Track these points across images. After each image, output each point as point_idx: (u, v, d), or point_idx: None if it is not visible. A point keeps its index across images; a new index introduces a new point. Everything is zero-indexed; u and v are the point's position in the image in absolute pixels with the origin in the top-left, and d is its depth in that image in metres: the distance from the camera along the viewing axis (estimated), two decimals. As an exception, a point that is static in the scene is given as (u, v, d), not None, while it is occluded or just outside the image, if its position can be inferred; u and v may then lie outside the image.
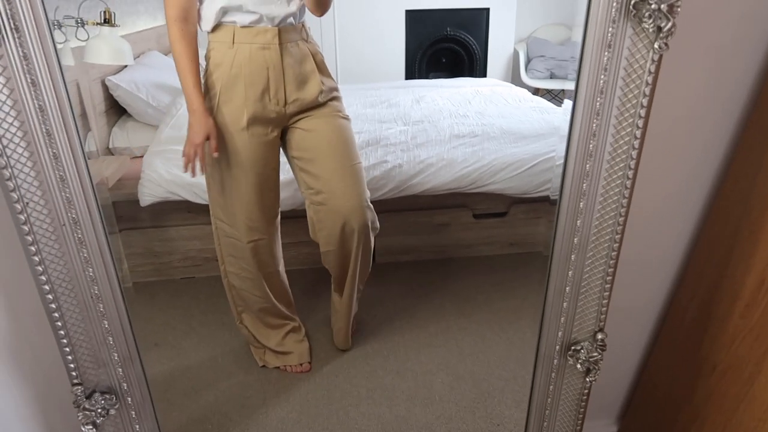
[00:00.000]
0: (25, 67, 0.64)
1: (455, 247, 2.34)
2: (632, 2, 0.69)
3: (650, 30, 0.70)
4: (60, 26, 1.56)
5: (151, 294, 2.07)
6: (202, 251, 2.11)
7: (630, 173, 0.79)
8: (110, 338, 0.82)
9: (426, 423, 1.58)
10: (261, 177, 1.46)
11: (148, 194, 1.86)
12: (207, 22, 1.32)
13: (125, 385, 0.86)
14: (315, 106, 1.45)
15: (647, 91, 0.73)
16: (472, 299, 2.09)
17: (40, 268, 0.73)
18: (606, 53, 0.72)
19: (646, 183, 1.03)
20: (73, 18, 1.65)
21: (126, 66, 1.99)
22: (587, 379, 0.97)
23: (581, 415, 1.03)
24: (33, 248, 0.71)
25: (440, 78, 2.92)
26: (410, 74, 2.88)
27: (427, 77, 2.90)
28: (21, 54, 0.63)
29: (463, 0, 2.84)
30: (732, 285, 1.01)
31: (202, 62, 1.40)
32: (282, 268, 1.71)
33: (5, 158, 0.66)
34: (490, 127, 2.34)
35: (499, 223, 2.33)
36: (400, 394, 1.66)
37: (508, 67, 2.97)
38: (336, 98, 1.51)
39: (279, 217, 1.63)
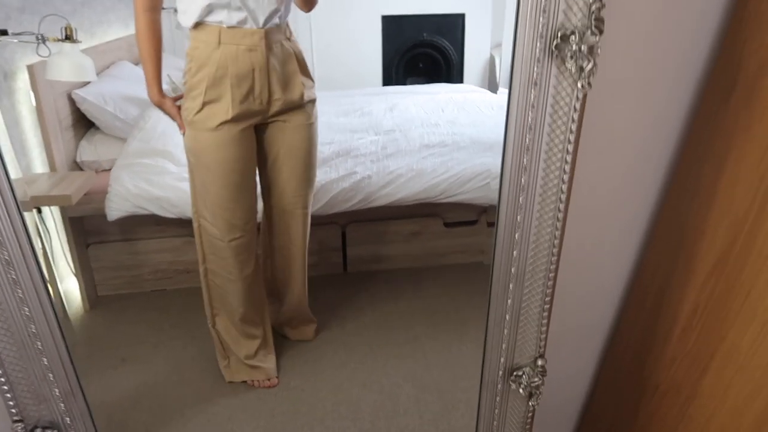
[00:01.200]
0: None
1: (427, 255, 2.35)
2: (554, 43, 0.70)
3: (573, 70, 0.71)
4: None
5: (122, 307, 2.07)
6: (173, 264, 2.11)
7: (561, 206, 0.80)
8: (50, 374, 0.82)
9: (391, 437, 1.59)
10: (240, 175, 1.49)
11: (116, 209, 1.86)
12: (189, 17, 1.31)
13: (68, 419, 0.87)
14: (294, 107, 1.49)
15: (573, 127, 0.75)
16: (441, 309, 2.11)
17: (-27, 309, 0.73)
18: (533, 91, 0.73)
19: (583, 213, 1.05)
20: (33, 34, 1.64)
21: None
22: (530, 404, 0.99)
23: (527, 437, 1.05)
24: (-36, 290, 0.72)
25: (418, 83, 2.92)
26: (387, 80, 2.88)
27: (404, 83, 2.91)
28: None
29: (439, 5, 2.85)
30: (671, 310, 1.03)
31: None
32: (260, 273, 1.72)
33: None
34: (460, 136, 2.35)
35: (469, 232, 2.34)
36: (366, 407, 1.67)
37: (484, 72, 2.99)
38: (312, 101, 1.55)
39: (257, 217, 1.64)
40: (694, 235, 0.95)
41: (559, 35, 0.70)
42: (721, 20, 0.89)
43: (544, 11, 0.68)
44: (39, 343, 0.79)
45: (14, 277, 0.74)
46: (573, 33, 0.69)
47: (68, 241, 1.93)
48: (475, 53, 2.85)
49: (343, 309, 2.08)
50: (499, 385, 0.98)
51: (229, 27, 1.30)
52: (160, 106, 1.44)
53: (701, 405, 0.96)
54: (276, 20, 1.34)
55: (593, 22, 0.68)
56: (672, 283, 1.02)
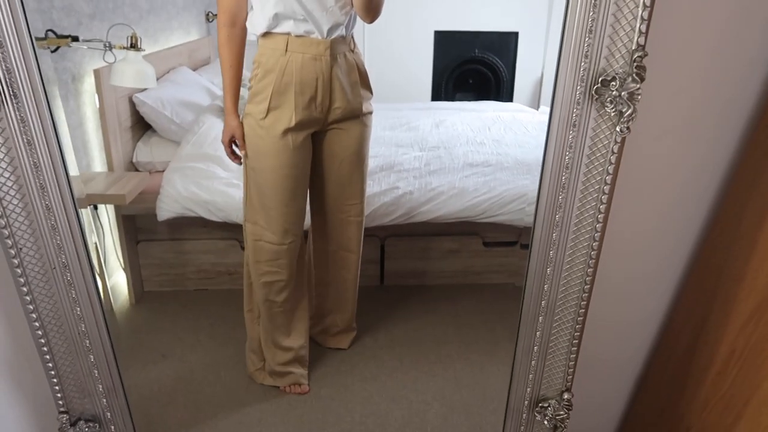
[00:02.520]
0: (21, 128, 0.70)
1: (464, 273, 2.34)
2: (594, 87, 0.71)
3: (612, 114, 0.72)
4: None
5: (164, 303, 2.15)
6: (216, 265, 2.18)
7: (595, 245, 0.81)
8: (95, 371, 0.87)
9: (415, 454, 1.60)
10: (296, 181, 1.54)
11: (166, 209, 1.94)
12: (258, 27, 1.38)
13: (109, 414, 0.92)
14: (352, 117, 1.53)
15: (611, 169, 0.75)
16: (475, 328, 2.10)
17: (31, 307, 0.79)
18: (571, 132, 0.74)
19: (618, 250, 1.04)
20: (101, 41, 1.73)
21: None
22: (554, 436, 1.00)
23: (550, 470, 1.05)
24: (25, 289, 0.77)
25: (467, 99, 2.93)
26: (436, 95, 2.89)
27: (453, 98, 2.91)
28: (18, 117, 0.69)
29: (492, 23, 2.85)
30: (706, 351, 1.01)
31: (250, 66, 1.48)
32: (306, 284, 1.75)
33: (1, 209, 0.72)
34: (504, 156, 2.35)
35: (508, 252, 2.33)
36: (393, 422, 1.68)
37: (535, 91, 2.97)
38: (370, 113, 1.61)
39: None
40: (733, 278, 0.94)
41: (599, 80, 0.71)
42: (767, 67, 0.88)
43: (587, 56, 0.69)
44: (87, 341, 0.85)
45: (69, 279, 0.79)
46: (614, 79, 0.70)
47: (120, 237, 2.02)
48: (526, 72, 2.84)
49: (377, 322, 2.10)
50: (524, 415, 0.99)
51: (296, 36, 1.36)
52: (229, 120, 1.49)
53: (732, 453, 0.95)
54: (341, 31, 1.40)
55: (635, 69, 0.68)
56: (708, 324, 1.00)
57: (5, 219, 0.72)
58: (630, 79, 0.68)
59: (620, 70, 0.70)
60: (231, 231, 2.10)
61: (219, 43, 1.41)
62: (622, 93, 0.69)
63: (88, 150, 1.86)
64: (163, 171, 2.02)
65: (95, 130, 1.87)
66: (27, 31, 0.66)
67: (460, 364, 1.92)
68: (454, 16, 2.78)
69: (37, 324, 0.80)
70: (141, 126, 2.11)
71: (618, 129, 0.72)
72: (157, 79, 2.06)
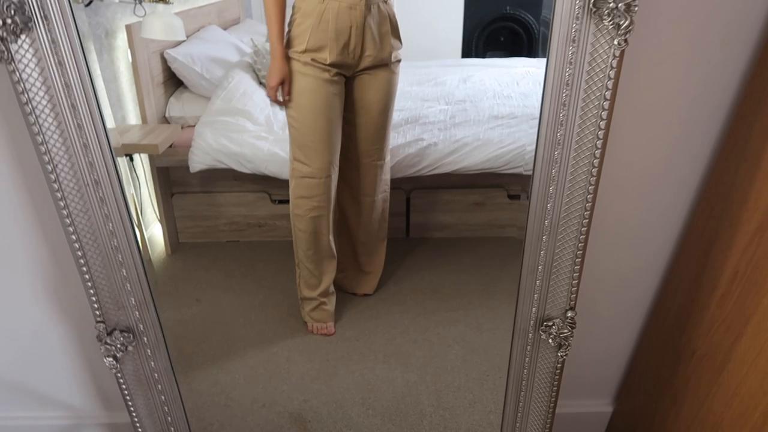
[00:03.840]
0: (53, 49, 0.76)
1: (489, 226, 2.36)
2: (592, 1, 0.73)
3: (610, 27, 0.74)
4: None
5: (198, 254, 2.24)
6: (246, 217, 2.26)
7: (596, 161, 0.83)
8: (128, 285, 0.95)
9: (435, 390, 1.66)
10: (333, 118, 1.63)
11: (198, 161, 2.01)
12: None
13: (141, 326, 1.00)
14: (382, 64, 1.61)
15: (610, 84, 0.77)
16: (498, 279, 2.12)
17: (68, 221, 0.86)
18: (571, 48, 0.76)
19: (623, 174, 1.06)
20: (131, -5, 1.79)
21: (184, 40, 2.12)
22: (558, 354, 1.03)
23: (555, 389, 1.09)
24: (62, 203, 0.84)
25: (498, 57, 2.90)
26: (467, 52, 2.87)
27: (484, 56, 2.89)
28: (49, 39, 0.75)
29: (525, -21, 2.80)
30: (712, 275, 1.03)
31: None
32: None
33: (38, 127, 0.78)
34: (531, 109, 2.33)
35: (534, 205, 2.32)
36: (415, 362, 1.74)
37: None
38: (398, 61, 1.68)
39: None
40: (739, 200, 0.95)
41: (597, -8, 0.72)
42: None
43: (584, -31, 0.71)
44: (120, 256, 0.92)
45: (101, 195, 0.86)
46: (611, -10, 0.71)
47: (155, 190, 2.11)
48: (558, 27, 2.78)
49: (401, 272, 2.14)
50: (530, 335, 1.03)
51: None
52: (280, 65, 1.56)
53: (734, 370, 0.97)
54: None
55: (631, -21, 0.70)
56: (715, 247, 1.02)
57: (41, 136, 0.79)
58: (626, -10, 0.70)
59: (617, -19, 0.72)
60: (260, 183, 2.17)
61: None
62: (619, 5, 0.71)
63: (122, 104, 1.93)
64: (194, 125, 2.08)
65: (129, 84, 1.94)
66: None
67: (481, 310, 1.96)
68: (485, -28, 2.73)
69: (74, 237, 0.87)
70: (173, 82, 2.17)
71: (616, 42, 0.74)
72: (187, 36, 2.11)
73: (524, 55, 2.89)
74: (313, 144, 1.63)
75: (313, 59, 1.52)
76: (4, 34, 0.71)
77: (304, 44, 1.50)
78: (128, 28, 1.83)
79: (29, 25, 0.73)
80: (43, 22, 0.74)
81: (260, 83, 2.32)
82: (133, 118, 2.00)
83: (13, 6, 0.71)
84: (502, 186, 2.28)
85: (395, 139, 2.02)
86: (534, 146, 2.10)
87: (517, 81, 2.66)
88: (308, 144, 1.64)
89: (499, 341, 1.83)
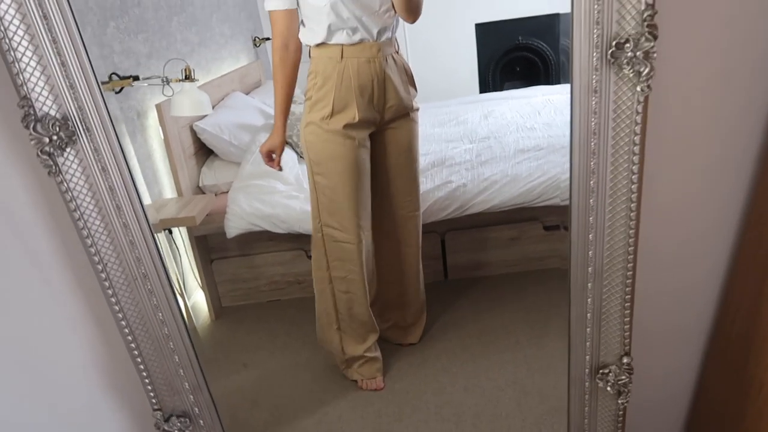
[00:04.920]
0: (96, 157, 0.80)
1: (526, 260, 2.34)
2: (610, 52, 0.74)
3: (631, 75, 0.74)
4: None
5: (241, 317, 2.27)
6: (285, 276, 2.29)
7: (633, 206, 0.82)
8: (181, 370, 0.97)
9: (492, 438, 1.62)
10: (362, 179, 1.63)
11: (233, 227, 2.06)
12: (314, 39, 1.48)
13: (197, 409, 1.01)
14: (403, 114, 1.63)
15: (638, 129, 0.77)
16: (542, 314, 2.09)
17: (120, 315, 0.89)
18: (594, 98, 0.77)
19: (662, 213, 1.04)
20: (158, 77, 1.87)
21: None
22: (619, 402, 1.00)
23: (619, 435, 1.06)
24: (113, 299, 0.88)
25: (516, 88, 2.92)
26: (484, 87, 2.90)
27: (502, 88, 2.91)
28: (92, 148, 0.79)
29: (532, 8, 2.83)
30: (769, 303, 1.00)
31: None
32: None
33: (87, 230, 0.82)
34: (556, 138, 2.33)
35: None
36: (467, 411, 1.71)
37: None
38: (417, 109, 1.70)
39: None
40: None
41: (614, 44, 0.73)
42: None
43: (598, 23, 0.72)
44: (171, 344, 0.94)
45: (150, 288, 0.89)
46: (627, 41, 0.72)
47: (195, 258, 2.16)
48: (573, 53, 2.79)
49: (444, 316, 2.13)
50: (587, 383, 1.01)
51: (349, 44, 1.46)
52: (274, 134, 1.62)
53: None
54: (388, 34, 1.50)
55: (646, 28, 0.70)
56: (768, 278, 0.99)
57: (90, 239, 0.82)
58: (643, 38, 0.70)
59: (632, 32, 0.72)
60: (296, 242, 2.20)
61: (273, 65, 1.52)
62: (638, 53, 0.71)
63: (158, 179, 2.00)
64: (227, 192, 2.14)
65: (163, 160, 2.01)
66: (91, 70, 0.76)
67: (530, 349, 1.93)
68: (493, 6, 2.78)
69: (126, 330, 0.90)
70: (204, 152, 2.24)
71: (639, 89, 0.74)
72: (213, 106, 2.19)
73: (542, 82, 2.90)
74: (344, 210, 1.63)
75: (344, 126, 1.52)
76: (52, 149, 0.75)
77: (329, 106, 1.51)
78: (158, 107, 1.91)
79: (73, 138, 0.78)
80: (85, 133, 0.78)
81: (287, 143, 2.38)
82: (168, 191, 2.06)
83: (57, 123, 0.75)
84: (537, 218, 2.27)
85: (424, 184, 2.04)
86: (565, 175, 2.09)
87: (538, 111, 2.67)
88: (339, 210, 1.63)
89: (552, 381, 1.79)
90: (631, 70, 0.73)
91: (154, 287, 0.89)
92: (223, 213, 2.08)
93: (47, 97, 0.75)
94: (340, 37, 1.45)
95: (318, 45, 1.48)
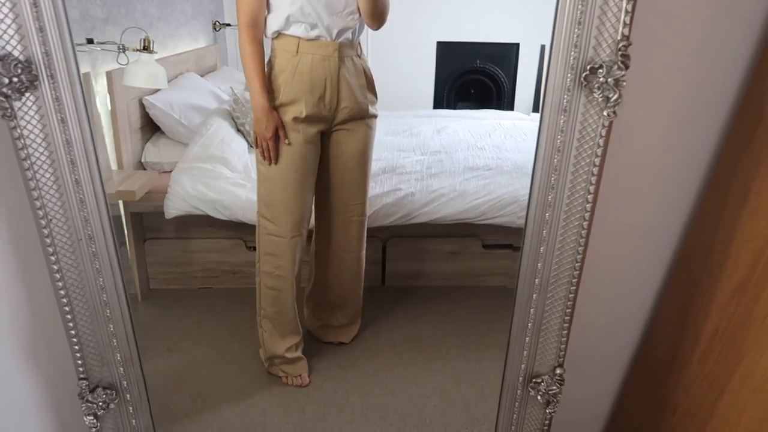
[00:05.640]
0: (56, 107, 0.76)
1: (464, 275, 2.39)
2: (583, 75, 0.78)
3: (600, 99, 0.78)
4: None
5: (170, 301, 2.20)
6: (221, 264, 2.23)
7: (585, 224, 0.87)
8: (114, 340, 0.93)
9: (415, 444, 1.64)
10: (305, 176, 1.60)
11: (174, 207, 1.99)
12: (271, 28, 1.46)
13: (125, 382, 0.97)
14: (358, 118, 1.61)
15: (599, 152, 0.82)
16: (474, 328, 2.14)
17: (58, 275, 0.85)
18: (562, 117, 0.81)
19: (608, 235, 1.10)
20: (115, 44, 1.80)
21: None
22: (547, 411, 1.04)
23: (543, 446, 1.10)
24: (53, 258, 0.83)
25: (468, 108, 2.99)
26: (438, 103, 2.96)
27: (455, 107, 2.98)
28: (54, 96, 0.75)
29: (493, 34, 2.91)
30: (693, 331, 1.07)
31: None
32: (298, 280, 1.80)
33: (35, 182, 0.78)
34: (504, 161, 2.40)
35: (507, 255, 2.37)
36: (393, 415, 1.72)
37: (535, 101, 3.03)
38: (375, 116, 1.68)
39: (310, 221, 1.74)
40: (717, 261, 0.99)
41: (588, 68, 0.77)
42: (749, 60, 0.95)
43: (576, 46, 0.76)
44: (108, 311, 0.90)
45: (94, 250, 0.85)
46: (601, 67, 0.76)
47: (128, 235, 2.07)
48: (526, 82, 2.90)
49: (378, 321, 2.14)
50: (519, 391, 1.04)
51: (306, 39, 1.45)
52: (268, 116, 1.51)
53: (717, 428, 0.99)
54: (348, 36, 1.48)
55: (620, 57, 0.75)
56: (695, 306, 1.06)
57: (38, 191, 0.78)
58: (616, 66, 0.75)
59: (607, 59, 0.76)
60: (236, 230, 2.16)
61: (241, 46, 1.46)
62: (609, 80, 0.76)
63: (100, 149, 1.90)
64: (171, 171, 2.08)
65: (107, 130, 1.93)
66: (65, 16, 0.72)
67: (459, 361, 1.96)
68: (457, 28, 2.85)
69: (62, 292, 0.85)
70: (150, 128, 2.17)
71: (605, 113, 0.78)
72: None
73: (493, 106, 2.99)
74: (281, 203, 1.60)
75: (293, 119, 1.50)
76: (9, 92, 0.71)
77: (279, 98, 1.49)
78: (109, 74, 1.84)
79: (35, 83, 0.74)
80: (48, 80, 0.74)
81: (238, 131, 2.34)
82: (110, 163, 1.98)
83: (20, 65, 0.71)
84: (478, 236, 2.33)
85: (372, 188, 2.05)
86: (508, 197, 2.15)
87: (489, 133, 2.74)
88: (275, 203, 1.61)
89: (477, 392, 1.83)
90: (601, 95, 0.77)
91: (98, 251, 0.85)
92: (163, 192, 2.01)
93: (12, 36, 0.71)
94: (298, 30, 1.44)
95: (277, 36, 1.47)
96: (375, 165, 2.19)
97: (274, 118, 1.50)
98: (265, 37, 1.50)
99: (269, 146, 1.52)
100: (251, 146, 2.24)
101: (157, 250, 2.19)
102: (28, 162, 0.77)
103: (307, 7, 1.40)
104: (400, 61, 2.78)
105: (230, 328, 2.05)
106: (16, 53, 0.72)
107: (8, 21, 0.71)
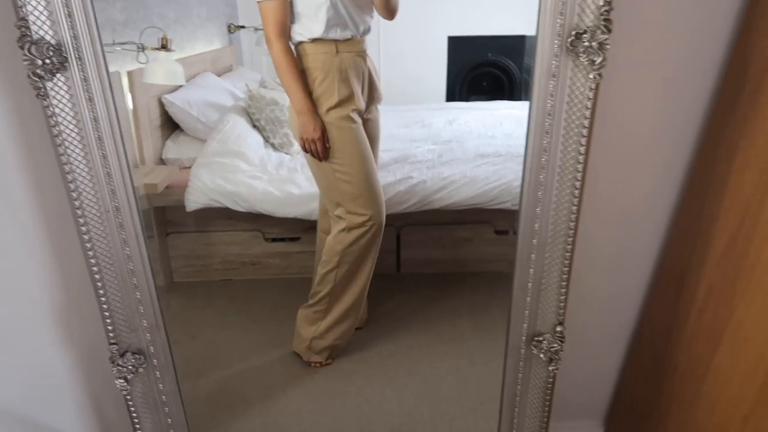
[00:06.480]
0: (84, 86, 0.83)
1: (477, 261, 2.43)
2: (569, 40, 0.83)
3: (586, 63, 0.83)
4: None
5: (192, 293, 2.27)
6: (240, 256, 2.31)
7: (577, 184, 0.91)
8: (141, 307, 1.00)
9: (431, 420, 1.69)
10: (371, 160, 1.69)
11: (194, 201, 2.07)
12: (311, 33, 1.51)
13: (152, 348, 1.04)
14: (376, 103, 1.73)
15: (588, 114, 0.86)
16: (488, 311, 2.17)
17: (89, 245, 0.92)
18: (552, 82, 0.86)
19: (603, 200, 1.15)
20: (134, 43, 1.88)
21: (181, 86, 2.21)
22: (549, 368, 1.09)
23: (547, 406, 1.14)
24: (84, 228, 0.90)
25: (481, 101, 3.03)
26: (451, 96, 2.99)
27: (467, 100, 3.02)
28: (82, 77, 0.82)
29: (504, 27, 2.94)
30: (689, 291, 1.11)
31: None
32: None
33: (66, 157, 0.85)
34: (515, 148, 2.44)
35: (520, 240, 2.38)
36: (410, 393, 1.78)
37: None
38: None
39: None
40: (709, 220, 1.03)
41: (573, 33, 0.82)
42: (735, 19, 0.99)
43: (561, 13, 0.81)
44: (135, 280, 0.97)
45: (121, 221, 0.92)
46: (585, 32, 0.81)
47: (151, 229, 2.15)
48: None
49: (394, 307, 2.19)
50: (522, 350, 1.09)
51: (343, 40, 1.53)
52: (315, 119, 1.56)
53: (713, 381, 1.03)
54: (368, 31, 1.60)
55: (602, 21, 0.80)
56: (692, 265, 1.10)
57: (69, 166, 0.85)
58: (599, 30, 0.80)
59: (590, 24, 0.82)
60: (254, 222, 2.23)
61: (276, 57, 1.50)
62: (593, 44, 0.81)
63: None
64: (190, 167, 2.15)
65: (128, 128, 2.01)
66: (91, 3, 0.80)
67: (473, 342, 2.01)
68: (467, 22, 2.89)
69: (93, 261, 0.93)
70: (169, 125, 2.25)
71: (591, 76, 0.83)
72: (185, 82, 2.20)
73: (506, 98, 3.02)
74: (370, 191, 1.67)
75: (351, 111, 1.59)
76: (43, 72, 0.78)
77: (334, 97, 1.55)
78: (130, 74, 1.92)
79: (65, 65, 0.81)
80: (77, 62, 0.82)
81: (254, 126, 2.42)
82: (132, 160, 2.06)
83: (51, 48, 0.78)
84: (490, 222, 2.36)
85: (385, 177, 2.11)
86: (518, 182, 2.19)
87: (500, 122, 2.78)
88: (365, 193, 1.66)
89: (491, 372, 1.86)
90: (587, 59, 0.82)
91: (124, 221, 0.92)
92: (184, 187, 2.09)
93: (44, 22, 0.78)
94: (335, 33, 1.51)
95: (313, 41, 1.53)
96: (387, 155, 2.25)
97: (319, 120, 1.56)
98: (297, 42, 1.55)
99: (318, 147, 1.57)
100: (267, 141, 2.32)
101: (180, 244, 2.26)
102: (60, 138, 0.84)
103: (341, 8, 1.48)
104: (412, 58, 2.83)
105: (251, 317, 2.12)
106: (47, 38, 0.79)
107: (41, 8, 0.78)
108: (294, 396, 1.78)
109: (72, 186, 0.87)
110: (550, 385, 1.11)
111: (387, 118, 1.85)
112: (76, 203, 0.88)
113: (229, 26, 2.67)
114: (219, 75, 2.63)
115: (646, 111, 1.07)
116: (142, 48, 1.90)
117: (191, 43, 2.40)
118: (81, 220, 0.90)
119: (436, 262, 2.44)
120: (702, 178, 1.08)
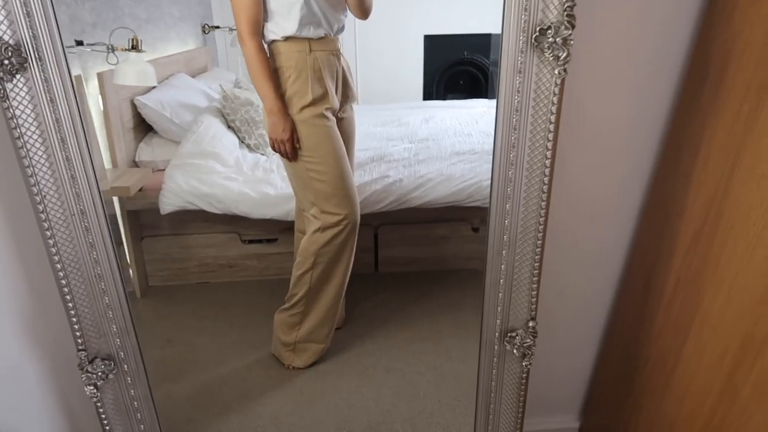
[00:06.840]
0: (45, 87, 0.82)
1: (455, 259, 2.44)
2: (534, 36, 0.83)
3: (551, 59, 0.84)
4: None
5: (168, 297, 2.24)
6: (217, 258, 2.28)
7: (546, 179, 0.92)
8: (110, 312, 0.98)
9: (409, 417, 1.69)
10: (345, 159, 1.68)
11: (168, 203, 2.05)
12: (284, 31, 1.50)
13: (122, 353, 1.03)
14: (350, 102, 1.72)
15: (554, 109, 0.87)
16: (466, 309, 2.18)
17: (54, 250, 0.90)
18: (518, 78, 0.86)
19: (572, 195, 1.16)
20: (104, 44, 1.85)
21: (154, 87, 2.18)
22: (523, 364, 1.10)
23: (522, 401, 1.15)
24: (48, 233, 0.89)
25: (458, 99, 3.04)
26: (428, 95, 3.00)
27: (444, 98, 3.02)
28: (42, 78, 0.81)
29: (480, 26, 2.95)
30: (658, 283, 1.12)
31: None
32: None
33: (28, 160, 0.84)
34: (491, 145, 2.44)
35: (497, 238, 2.39)
36: (387, 391, 1.78)
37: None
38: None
39: None
40: (676, 214, 1.05)
41: (538, 29, 0.83)
42: (697, 13, 1.01)
43: (525, 9, 0.82)
44: (102, 285, 0.96)
45: (87, 225, 0.90)
46: (549, 28, 0.82)
47: (125, 233, 2.13)
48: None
49: (372, 306, 2.19)
50: (496, 346, 1.10)
51: (317, 38, 1.52)
52: (285, 119, 1.56)
53: (682, 371, 1.05)
54: (341, 30, 1.59)
55: (566, 17, 0.80)
56: (660, 259, 1.11)
57: (31, 169, 0.84)
58: (563, 26, 0.81)
59: (554, 20, 0.82)
60: (230, 224, 2.21)
61: (249, 54, 1.50)
62: (557, 39, 0.81)
63: (93, 149, 1.96)
64: (164, 169, 2.12)
65: (100, 130, 1.98)
66: (50, 2, 0.78)
67: (451, 340, 2.01)
68: (443, 21, 2.89)
69: (59, 266, 0.91)
70: (142, 127, 2.22)
71: (556, 71, 0.84)
72: (157, 83, 2.18)
73: (482, 96, 3.03)
74: (344, 190, 1.67)
75: (325, 109, 1.58)
76: (1, 73, 0.77)
77: (308, 96, 1.55)
78: (100, 75, 1.89)
79: (24, 65, 0.79)
80: (37, 62, 0.80)
81: (229, 127, 2.39)
82: (104, 162, 2.03)
83: (10, 48, 0.77)
84: (466, 219, 2.37)
85: (361, 176, 2.11)
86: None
87: (476, 120, 2.79)
88: (339, 192, 1.67)
89: (469, 368, 1.87)
90: (551, 54, 0.83)
91: (91, 224, 0.91)
92: (158, 190, 2.06)
93: (2, 22, 0.77)
94: (309, 31, 1.50)
95: (286, 39, 1.52)
96: (363, 154, 2.25)
97: (289, 120, 1.56)
98: (269, 41, 1.54)
99: (287, 147, 1.58)
100: (242, 141, 2.30)
101: (155, 248, 2.24)
102: (21, 141, 0.82)
103: (315, 7, 1.47)
104: (389, 57, 2.83)
105: (228, 320, 2.10)
106: (6, 37, 0.78)
107: (-3, 8, 0.77)
108: (272, 397, 1.77)
109: (35, 189, 0.86)
110: (524, 381, 1.12)
111: (363, 116, 1.85)
112: (40, 207, 0.87)
113: (203, 27, 2.64)
114: (193, 76, 2.60)
115: (613, 106, 1.08)
116: (112, 49, 1.87)
117: (164, 43, 2.37)
118: (45, 224, 0.88)
119: (414, 261, 2.45)
120: (668, 172, 1.10)
